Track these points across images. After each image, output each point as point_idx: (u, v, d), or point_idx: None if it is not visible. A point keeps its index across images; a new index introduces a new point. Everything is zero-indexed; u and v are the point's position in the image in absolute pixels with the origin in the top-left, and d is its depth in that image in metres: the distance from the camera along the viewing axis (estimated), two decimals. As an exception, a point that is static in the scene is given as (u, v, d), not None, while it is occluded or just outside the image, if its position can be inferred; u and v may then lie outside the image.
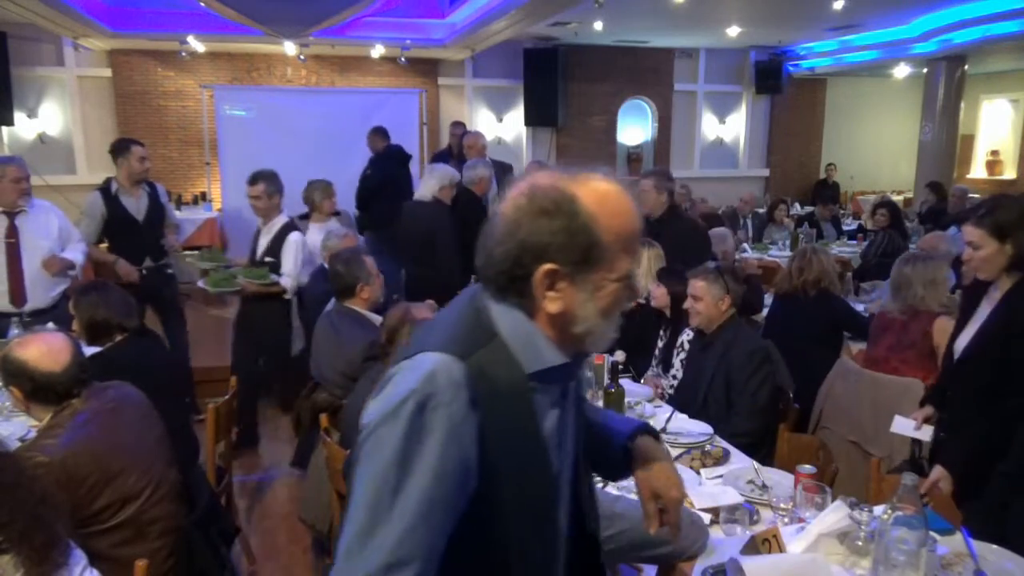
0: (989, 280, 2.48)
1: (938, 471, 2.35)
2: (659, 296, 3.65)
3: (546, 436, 1.18)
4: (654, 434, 1.44)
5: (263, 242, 4.53)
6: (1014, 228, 2.35)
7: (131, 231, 4.75)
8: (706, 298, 3.07)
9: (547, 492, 1.19)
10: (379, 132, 7.52)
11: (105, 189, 4.78)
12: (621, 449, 1.41)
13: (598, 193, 1.14)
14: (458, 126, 7.92)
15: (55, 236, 4.22)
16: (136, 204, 4.78)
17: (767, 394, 2.92)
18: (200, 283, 4.35)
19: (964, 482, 2.33)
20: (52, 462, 1.89)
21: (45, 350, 2.09)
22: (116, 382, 2.27)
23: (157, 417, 2.30)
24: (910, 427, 2.77)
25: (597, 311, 1.15)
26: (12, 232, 4.07)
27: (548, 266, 1.11)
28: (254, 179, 4.49)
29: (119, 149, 4.74)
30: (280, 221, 4.53)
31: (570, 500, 1.28)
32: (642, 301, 4.00)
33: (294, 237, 4.47)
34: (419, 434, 1.05)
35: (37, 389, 2.07)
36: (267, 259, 4.45)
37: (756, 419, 2.86)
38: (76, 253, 4.30)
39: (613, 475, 1.49)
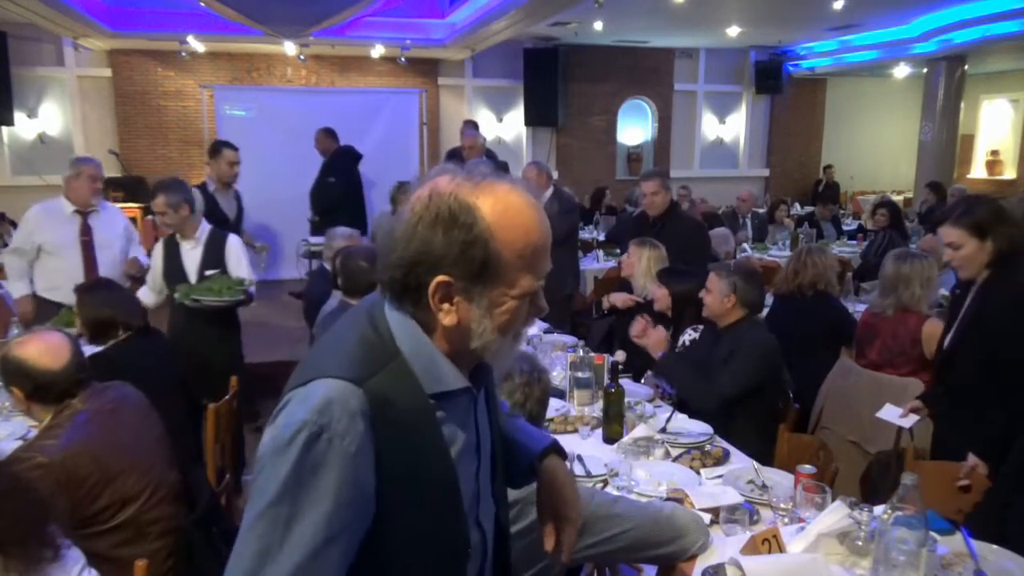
0: (971, 279, 2.53)
1: (972, 458, 2.38)
2: (660, 297, 3.65)
3: (455, 457, 1.13)
4: (562, 454, 1.42)
5: (193, 257, 3.95)
6: (993, 225, 2.41)
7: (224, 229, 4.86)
8: (714, 292, 3.13)
9: (456, 512, 1.15)
10: (330, 133, 7.44)
11: (202, 187, 4.89)
12: (527, 465, 1.39)
13: (500, 205, 1.06)
14: (468, 125, 7.92)
15: (122, 235, 4.39)
16: (227, 204, 4.98)
17: (759, 376, 2.93)
18: (194, 299, 3.78)
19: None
20: (52, 463, 1.89)
21: (44, 348, 2.09)
22: (116, 382, 2.27)
23: (157, 417, 2.30)
24: (896, 415, 2.84)
25: (494, 328, 1.09)
26: (86, 230, 4.21)
27: (441, 278, 1.06)
28: (153, 191, 3.95)
29: (212, 151, 4.98)
30: (205, 230, 4.01)
31: (494, 506, 1.28)
32: (641, 300, 4.00)
33: (236, 240, 4.07)
34: (311, 468, 1.00)
35: (37, 388, 2.07)
36: (207, 272, 3.94)
37: (736, 388, 2.87)
38: (143, 256, 4.47)
39: (515, 484, 1.46)
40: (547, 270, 1.13)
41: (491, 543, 1.28)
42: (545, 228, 1.11)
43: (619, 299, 4.14)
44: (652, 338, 3.11)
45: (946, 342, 2.62)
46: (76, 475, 1.92)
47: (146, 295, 4.06)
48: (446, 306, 1.08)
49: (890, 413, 2.88)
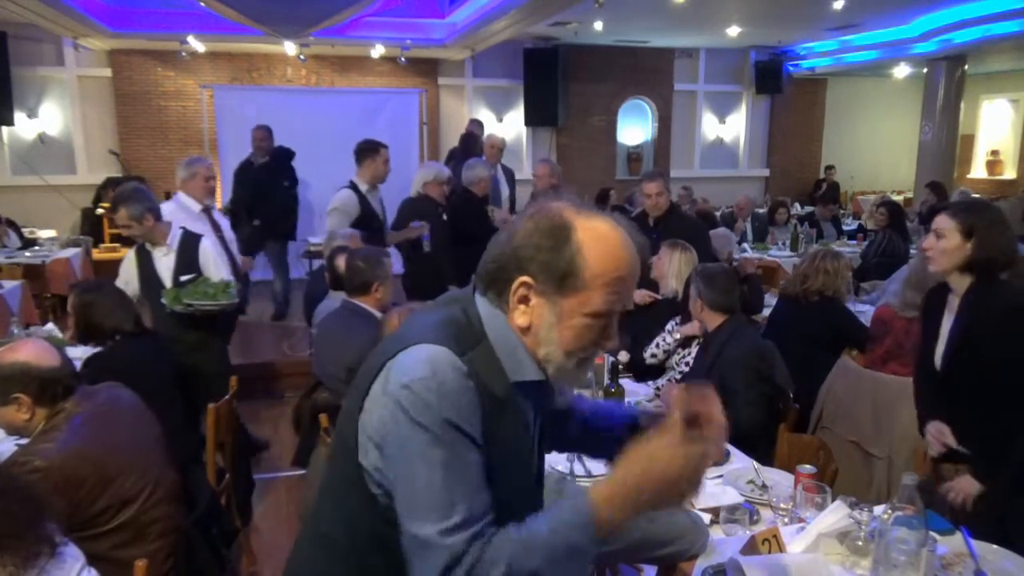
0: (938, 272, 2.50)
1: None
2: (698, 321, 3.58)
3: (527, 442, 1.27)
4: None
5: (166, 264, 3.79)
6: (983, 230, 2.37)
7: (373, 229, 4.84)
8: (691, 296, 3.16)
9: (533, 486, 1.29)
10: (270, 130, 7.14)
11: (354, 187, 4.90)
12: (624, 425, 1.50)
13: (595, 231, 1.19)
14: (473, 123, 7.90)
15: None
16: (377, 205, 5.01)
17: (756, 393, 2.91)
18: (186, 303, 3.59)
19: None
20: (50, 466, 1.88)
21: (39, 348, 2.08)
22: (107, 384, 2.26)
23: (152, 417, 2.29)
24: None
25: (560, 341, 1.19)
26: (217, 227, 4.45)
27: (525, 278, 1.18)
28: (113, 206, 3.76)
29: (368, 150, 4.94)
30: (176, 236, 3.84)
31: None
32: (658, 296, 4.02)
33: (208, 245, 3.90)
34: (440, 410, 1.11)
35: (45, 386, 2.03)
36: (182, 278, 3.77)
37: (745, 416, 2.85)
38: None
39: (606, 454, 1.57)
40: (624, 305, 1.22)
41: None
42: (631, 264, 1.21)
43: (638, 295, 4.16)
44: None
45: (937, 357, 2.58)
46: (75, 477, 1.92)
47: None
48: (522, 307, 1.20)
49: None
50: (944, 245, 2.42)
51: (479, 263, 1.25)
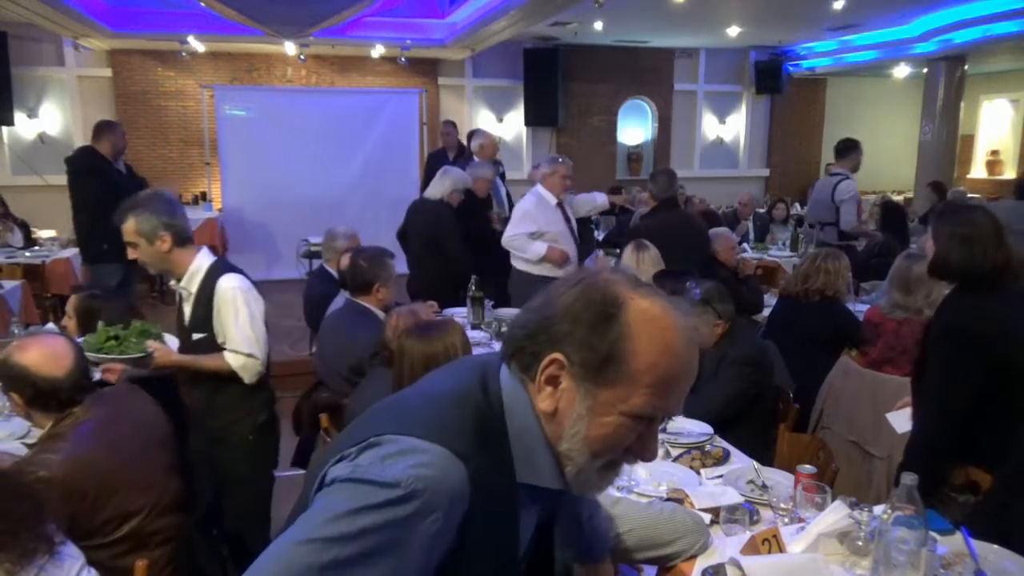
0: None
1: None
2: None
3: (518, 546, 1.11)
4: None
5: (185, 311, 2.77)
6: (940, 238, 2.39)
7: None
8: (702, 329, 3.12)
9: None
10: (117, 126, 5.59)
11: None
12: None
13: (651, 313, 1.01)
14: (448, 124, 7.78)
15: None
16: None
17: (734, 389, 2.94)
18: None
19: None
20: (53, 478, 1.84)
21: (47, 354, 2.01)
22: (119, 386, 2.25)
23: (161, 419, 2.24)
24: (904, 423, 2.70)
25: (586, 439, 1.02)
26: (568, 220, 4.85)
27: (557, 355, 1.01)
28: (122, 215, 2.60)
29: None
30: (198, 269, 2.69)
31: None
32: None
33: (225, 286, 2.67)
34: (379, 531, 0.93)
35: (38, 395, 1.99)
36: (195, 335, 2.73)
37: (713, 414, 2.86)
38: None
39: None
40: (670, 412, 1.06)
41: None
42: (686, 362, 1.03)
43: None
44: None
45: None
46: (76, 490, 1.88)
47: None
48: (549, 389, 1.03)
49: (901, 424, 2.70)
50: (927, 247, 2.50)
51: (507, 329, 1.09)
